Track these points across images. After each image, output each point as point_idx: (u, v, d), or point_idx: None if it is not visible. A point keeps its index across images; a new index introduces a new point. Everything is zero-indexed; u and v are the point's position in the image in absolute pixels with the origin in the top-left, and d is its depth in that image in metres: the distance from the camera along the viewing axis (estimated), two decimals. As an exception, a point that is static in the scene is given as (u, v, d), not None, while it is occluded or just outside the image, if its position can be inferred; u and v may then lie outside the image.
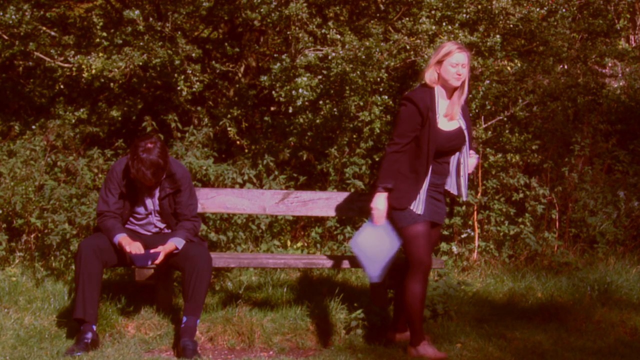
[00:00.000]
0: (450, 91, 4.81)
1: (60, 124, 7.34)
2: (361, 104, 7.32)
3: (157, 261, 5.05)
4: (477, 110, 7.58)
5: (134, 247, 5.04)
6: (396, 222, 4.80)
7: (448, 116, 4.79)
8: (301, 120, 7.38)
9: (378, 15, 7.97)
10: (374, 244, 4.80)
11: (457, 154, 4.87)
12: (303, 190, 6.63)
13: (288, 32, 7.19)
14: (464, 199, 4.93)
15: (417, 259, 4.78)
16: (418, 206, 4.77)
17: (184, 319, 4.99)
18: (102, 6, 8.72)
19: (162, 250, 5.08)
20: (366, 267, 4.87)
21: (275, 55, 7.62)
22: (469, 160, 4.90)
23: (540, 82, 7.89)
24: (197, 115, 7.91)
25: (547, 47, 8.03)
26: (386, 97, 7.24)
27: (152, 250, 5.07)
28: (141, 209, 5.27)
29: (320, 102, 7.30)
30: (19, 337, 5.03)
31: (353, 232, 7.15)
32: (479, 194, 7.29)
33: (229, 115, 7.75)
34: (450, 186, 4.93)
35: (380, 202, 4.78)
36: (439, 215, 4.93)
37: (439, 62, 4.75)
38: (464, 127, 4.84)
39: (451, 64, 4.72)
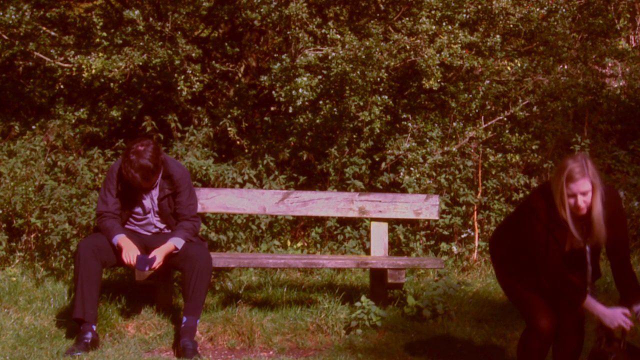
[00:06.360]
0: None
1: (60, 124, 7.33)
2: (361, 104, 7.32)
3: (154, 265, 5.03)
4: (477, 110, 7.59)
5: (130, 257, 5.01)
6: None
7: None
8: (301, 120, 7.38)
9: (378, 15, 7.96)
10: None
11: None
12: (303, 190, 6.64)
13: (288, 32, 7.19)
14: None
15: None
16: None
17: (184, 319, 4.98)
18: (102, 6, 8.71)
19: (159, 253, 5.06)
20: None
21: (275, 55, 7.62)
22: None
23: (540, 82, 7.89)
24: (197, 115, 7.90)
25: (547, 47, 8.03)
26: (386, 97, 7.24)
27: (149, 256, 5.05)
28: (140, 209, 5.27)
29: (320, 102, 7.29)
30: (19, 337, 5.03)
31: (353, 232, 7.14)
32: (479, 194, 7.29)
33: (229, 115, 7.75)
34: None
35: None
36: None
37: None
38: None
39: None
